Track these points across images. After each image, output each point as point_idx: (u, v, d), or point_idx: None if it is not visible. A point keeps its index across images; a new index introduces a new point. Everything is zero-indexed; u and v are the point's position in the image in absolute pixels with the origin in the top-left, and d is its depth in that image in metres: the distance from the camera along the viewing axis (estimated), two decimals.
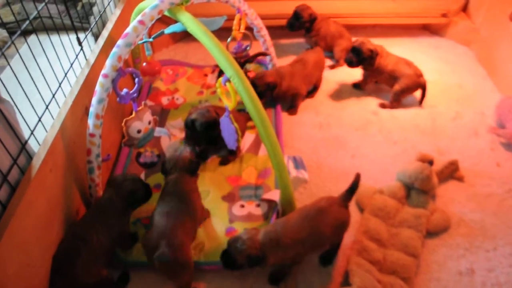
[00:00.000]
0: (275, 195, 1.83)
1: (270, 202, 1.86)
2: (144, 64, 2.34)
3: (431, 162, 1.91)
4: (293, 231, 1.51)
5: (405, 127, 2.33)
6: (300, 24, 2.70)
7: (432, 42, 3.02)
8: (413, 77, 2.36)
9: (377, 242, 1.72)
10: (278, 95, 2.37)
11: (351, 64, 2.43)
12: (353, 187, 1.60)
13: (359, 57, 2.38)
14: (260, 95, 2.17)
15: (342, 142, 2.24)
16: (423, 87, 2.40)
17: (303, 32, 2.77)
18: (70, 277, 1.43)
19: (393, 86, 2.40)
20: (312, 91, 2.55)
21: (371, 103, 2.50)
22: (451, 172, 2.03)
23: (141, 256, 1.67)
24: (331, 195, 1.97)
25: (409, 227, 1.77)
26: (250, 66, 2.23)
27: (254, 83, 2.22)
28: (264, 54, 2.48)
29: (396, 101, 2.42)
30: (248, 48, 2.41)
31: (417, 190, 1.89)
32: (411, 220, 1.78)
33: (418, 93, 2.47)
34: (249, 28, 2.28)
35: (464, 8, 3.01)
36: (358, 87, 2.58)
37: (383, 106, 2.46)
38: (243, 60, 2.39)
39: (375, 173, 2.06)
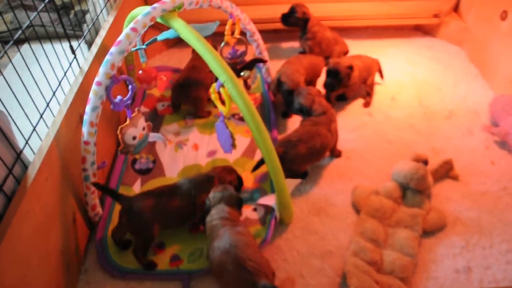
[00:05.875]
0: (270, 200, 1.83)
1: (267, 207, 1.86)
2: (140, 72, 2.34)
3: (425, 162, 1.92)
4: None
5: (400, 127, 2.35)
6: (294, 19, 2.64)
7: (424, 43, 3.04)
8: (375, 62, 2.54)
9: (374, 242, 1.72)
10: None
11: (332, 88, 2.35)
12: None
13: (337, 78, 2.31)
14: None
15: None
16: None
17: (298, 35, 2.73)
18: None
19: (367, 80, 2.49)
20: None
21: None
22: (446, 171, 2.04)
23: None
24: (326, 197, 1.97)
25: (405, 227, 1.78)
26: (247, 73, 2.20)
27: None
28: (261, 60, 2.42)
29: (372, 90, 2.54)
30: (243, 54, 2.36)
31: (412, 190, 1.89)
32: (408, 220, 1.79)
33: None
34: (242, 33, 2.28)
35: (456, 8, 3.04)
36: (344, 99, 2.56)
37: (367, 104, 2.50)
38: (239, 67, 2.33)
39: (371, 173, 2.07)
